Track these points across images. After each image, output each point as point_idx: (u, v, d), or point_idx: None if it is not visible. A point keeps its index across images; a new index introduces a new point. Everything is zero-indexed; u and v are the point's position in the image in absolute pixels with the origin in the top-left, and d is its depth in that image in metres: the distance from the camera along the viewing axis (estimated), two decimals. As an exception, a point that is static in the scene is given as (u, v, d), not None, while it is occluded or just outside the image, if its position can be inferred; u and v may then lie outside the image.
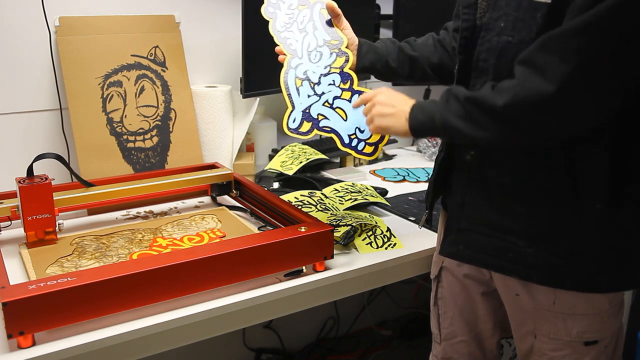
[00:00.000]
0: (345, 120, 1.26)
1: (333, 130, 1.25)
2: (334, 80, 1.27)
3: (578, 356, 1.08)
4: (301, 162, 1.74)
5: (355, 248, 1.32)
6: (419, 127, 1.06)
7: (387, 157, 2.08)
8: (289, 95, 1.25)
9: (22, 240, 1.29)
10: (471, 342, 1.28)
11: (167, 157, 1.66)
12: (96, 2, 1.62)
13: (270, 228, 1.33)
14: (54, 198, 1.26)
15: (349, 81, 1.27)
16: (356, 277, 1.25)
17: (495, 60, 1.01)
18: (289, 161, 1.77)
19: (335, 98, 1.26)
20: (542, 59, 0.90)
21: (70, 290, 0.95)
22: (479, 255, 1.09)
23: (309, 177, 1.73)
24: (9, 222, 1.32)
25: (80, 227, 1.41)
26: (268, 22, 1.30)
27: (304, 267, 1.20)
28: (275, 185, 1.73)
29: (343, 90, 1.26)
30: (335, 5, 1.27)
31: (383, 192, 1.65)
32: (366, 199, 1.54)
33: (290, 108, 1.24)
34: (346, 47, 1.28)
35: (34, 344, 0.96)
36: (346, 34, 1.29)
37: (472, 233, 1.09)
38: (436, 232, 1.36)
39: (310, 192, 1.55)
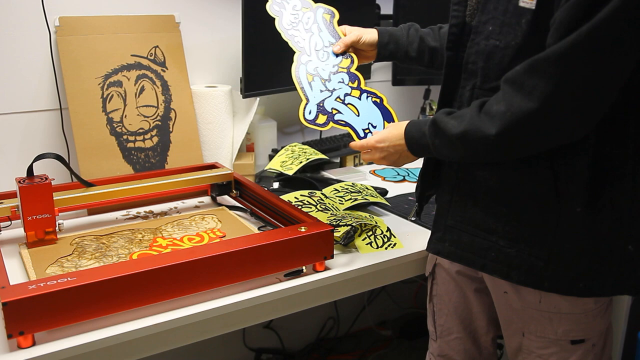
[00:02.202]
0: (358, 116, 1.29)
1: (348, 124, 1.29)
2: (342, 79, 1.31)
3: (565, 354, 1.09)
4: (301, 162, 1.74)
5: (355, 248, 1.32)
6: (422, 154, 1.15)
7: (387, 157, 2.08)
8: (302, 89, 1.28)
9: (22, 240, 1.29)
10: (466, 339, 1.29)
11: (167, 157, 1.66)
12: (96, 2, 1.62)
13: (270, 228, 1.33)
14: (54, 198, 1.26)
15: (357, 81, 1.32)
16: (356, 277, 1.25)
17: (484, 63, 1.03)
18: (289, 161, 1.77)
19: (346, 95, 1.30)
20: (529, 81, 0.91)
21: (70, 290, 0.95)
22: (464, 253, 1.11)
23: (309, 177, 1.73)
24: (9, 222, 1.32)
25: (80, 227, 1.41)
26: (273, 19, 1.32)
27: (304, 267, 1.20)
28: (275, 185, 1.73)
29: (352, 88, 1.31)
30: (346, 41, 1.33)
31: (383, 192, 1.65)
32: (366, 199, 1.54)
33: (304, 101, 1.28)
34: (350, 51, 1.34)
35: (34, 344, 0.96)
36: (355, 35, 1.32)
37: (457, 231, 1.11)
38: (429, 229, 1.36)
39: (310, 192, 1.55)
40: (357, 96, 1.31)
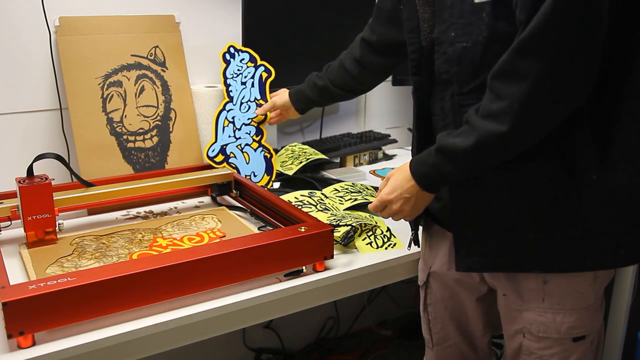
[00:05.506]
0: (247, 164, 1.65)
1: (236, 168, 1.63)
2: (250, 131, 1.66)
3: (567, 354, 1.09)
4: (301, 162, 1.74)
5: (355, 248, 1.32)
6: (441, 187, 1.12)
7: (387, 157, 2.08)
8: (217, 130, 1.61)
9: (22, 240, 1.29)
10: (463, 343, 1.28)
11: (167, 157, 1.66)
12: (96, 2, 1.62)
13: (270, 228, 1.33)
14: (54, 198, 1.26)
15: (260, 136, 1.68)
16: (356, 277, 1.25)
17: (457, 68, 1.04)
18: (289, 161, 1.77)
19: (246, 145, 1.65)
20: (523, 63, 0.91)
21: (70, 290, 0.95)
22: (495, 261, 1.08)
23: (309, 177, 1.73)
24: (9, 222, 1.32)
25: (80, 227, 1.41)
26: (224, 67, 1.63)
27: (304, 267, 1.20)
28: (276, 185, 1.73)
29: (254, 140, 1.66)
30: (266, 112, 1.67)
31: (383, 192, 1.65)
32: (366, 199, 1.54)
33: (213, 140, 1.61)
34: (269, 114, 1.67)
35: (34, 344, 0.96)
36: (270, 104, 1.65)
37: (482, 241, 1.08)
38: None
39: (310, 192, 1.55)
40: (255, 148, 1.66)
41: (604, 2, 0.89)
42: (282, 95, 1.64)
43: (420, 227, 1.30)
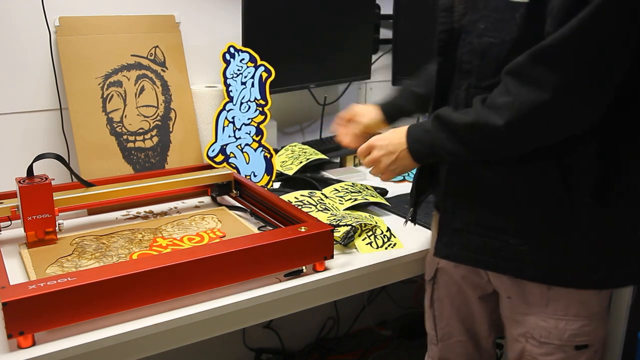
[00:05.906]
0: (247, 164, 1.65)
1: (236, 168, 1.64)
2: (250, 131, 1.65)
3: None
4: (301, 162, 1.74)
5: (355, 248, 1.32)
6: (425, 158, 1.12)
7: (387, 157, 2.07)
8: (217, 130, 1.61)
9: (22, 240, 1.29)
10: (468, 342, 1.28)
11: (167, 157, 1.66)
12: (96, 2, 1.62)
13: (270, 228, 1.33)
14: (54, 198, 1.26)
15: (260, 136, 1.66)
16: (356, 277, 1.25)
17: (479, 61, 1.03)
18: (289, 161, 1.77)
19: (246, 145, 1.65)
20: (534, 71, 0.91)
21: (70, 290, 0.95)
22: (474, 255, 1.10)
23: (309, 177, 1.73)
24: (9, 222, 1.32)
25: (80, 227, 1.41)
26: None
27: (304, 267, 1.20)
28: (276, 185, 1.73)
29: (254, 140, 1.65)
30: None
31: (383, 192, 1.65)
32: (366, 199, 1.54)
33: (213, 140, 1.62)
34: (267, 109, 1.66)
35: (34, 344, 0.96)
36: (367, 118, 1.38)
37: (466, 233, 1.09)
38: (429, 228, 1.36)
39: (310, 192, 1.55)
40: (255, 148, 1.65)
41: (632, 34, 0.88)
42: (368, 115, 1.40)
43: (434, 226, 1.29)
